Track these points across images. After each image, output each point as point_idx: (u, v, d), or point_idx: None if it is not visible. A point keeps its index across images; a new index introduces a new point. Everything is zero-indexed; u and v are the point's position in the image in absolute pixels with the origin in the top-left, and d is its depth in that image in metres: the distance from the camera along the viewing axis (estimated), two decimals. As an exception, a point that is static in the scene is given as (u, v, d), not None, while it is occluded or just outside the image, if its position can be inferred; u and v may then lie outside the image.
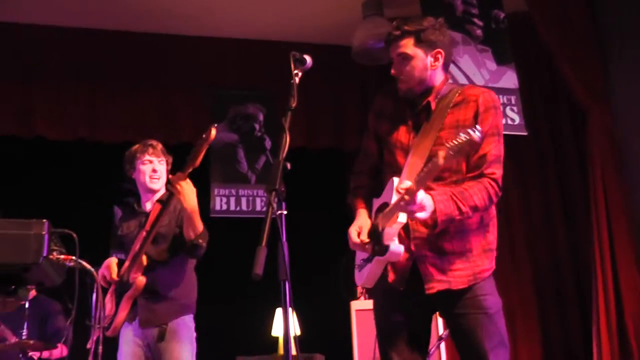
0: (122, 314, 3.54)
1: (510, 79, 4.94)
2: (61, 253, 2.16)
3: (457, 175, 2.60)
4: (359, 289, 4.67)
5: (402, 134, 2.71)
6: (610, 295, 4.77)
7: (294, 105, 2.34)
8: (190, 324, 3.65)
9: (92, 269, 3.14)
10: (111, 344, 3.57)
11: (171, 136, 5.59)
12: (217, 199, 5.73)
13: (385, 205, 2.58)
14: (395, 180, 2.54)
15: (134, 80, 5.75)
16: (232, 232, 4.20)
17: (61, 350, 4.74)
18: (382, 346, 2.71)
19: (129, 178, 3.84)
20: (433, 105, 2.67)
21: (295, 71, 2.44)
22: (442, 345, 4.44)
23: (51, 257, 2.05)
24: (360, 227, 2.66)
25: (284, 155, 2.20)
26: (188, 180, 3.42)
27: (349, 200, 2.86)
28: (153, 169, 3.74)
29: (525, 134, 4.98)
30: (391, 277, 2.64)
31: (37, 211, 2.19)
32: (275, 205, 2.09)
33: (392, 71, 2.72)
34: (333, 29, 5.76)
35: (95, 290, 3.52)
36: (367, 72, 5.88)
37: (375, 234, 2.59)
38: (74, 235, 2.14)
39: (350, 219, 2.78)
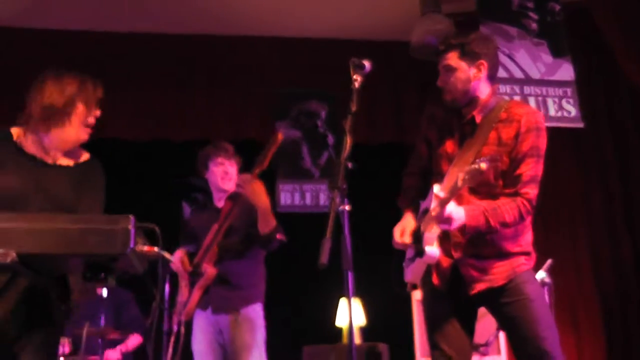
0: (194, 300, 3.74)
1: (566, 72, 4.89)
2: (145, 245, 2.34)
3: (493, 190, 2.71)
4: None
5: (449, 144, 2.83)
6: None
7: (354, 109, 2.47)
8: (260, 312, 3.81)
9: (172, 259, 3.34)
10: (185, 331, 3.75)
11: (238, 134, 5.78)
12: (282, 194, 5.89)
13: (427, 210, 2.73)
14: (436, 187, 2.70)
15: (201, 81, 5.95)
16: (297, 226, 4.33)
17: (137, 338, 4.95)
18: (430, 335, 2.83)
19: (202, 177, 4.05)
20: (478, 119, 2.77)
21: (355, 76, 2.53)
22: (501, 336, 4.49)
23: (137, 248, 2.24)
24: (403, 228, 2.82)
25: (346, 155, 2.35)
26: (257, 180, 3.58)
27: (399, 200, 3.02)
28: (225, 171, 3.92)
29: (581, 125, 4.94)
30: (435, 279, 2.79)
31: (121, 207, 2.39)
32: (338, 201, 2.26)
33: (438, 82, 2.83)
34: (392, 26, 5.85)
35: (167, 279, 3.78)
36: (425, 66, 5.93)
37: (418, 236, 2.75)
38: (157, 229, 2.33)
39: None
